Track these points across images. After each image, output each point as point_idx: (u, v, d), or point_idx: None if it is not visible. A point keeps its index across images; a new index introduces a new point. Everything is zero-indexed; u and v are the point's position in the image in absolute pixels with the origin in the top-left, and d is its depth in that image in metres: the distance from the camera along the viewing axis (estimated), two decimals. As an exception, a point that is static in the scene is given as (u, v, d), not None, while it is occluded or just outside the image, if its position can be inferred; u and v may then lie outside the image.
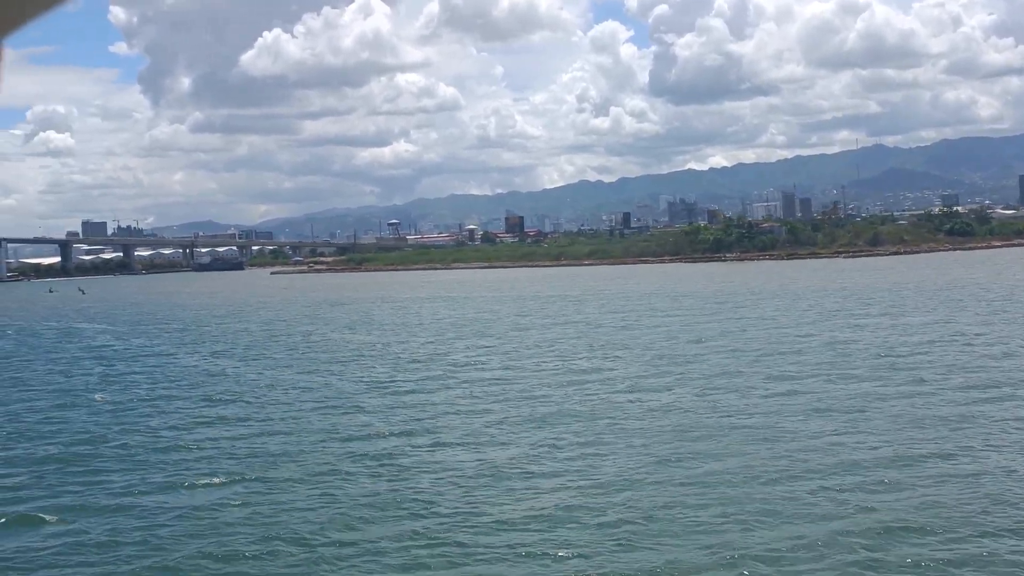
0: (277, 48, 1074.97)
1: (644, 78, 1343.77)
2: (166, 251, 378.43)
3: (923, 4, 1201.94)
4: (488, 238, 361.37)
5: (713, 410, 32.25)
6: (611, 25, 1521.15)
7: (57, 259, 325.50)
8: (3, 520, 23.08)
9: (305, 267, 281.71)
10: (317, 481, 25.30)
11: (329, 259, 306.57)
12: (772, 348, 47.72)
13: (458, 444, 29.16)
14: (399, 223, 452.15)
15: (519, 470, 25.48)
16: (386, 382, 42.60)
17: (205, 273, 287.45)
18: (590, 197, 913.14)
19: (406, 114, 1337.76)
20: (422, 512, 22.10)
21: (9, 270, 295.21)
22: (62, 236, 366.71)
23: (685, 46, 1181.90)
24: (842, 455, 25.37)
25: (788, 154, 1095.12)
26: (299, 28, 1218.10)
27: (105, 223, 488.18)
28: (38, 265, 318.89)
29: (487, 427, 31.35)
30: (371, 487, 24.44)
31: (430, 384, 41.48)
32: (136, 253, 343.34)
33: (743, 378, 38.83)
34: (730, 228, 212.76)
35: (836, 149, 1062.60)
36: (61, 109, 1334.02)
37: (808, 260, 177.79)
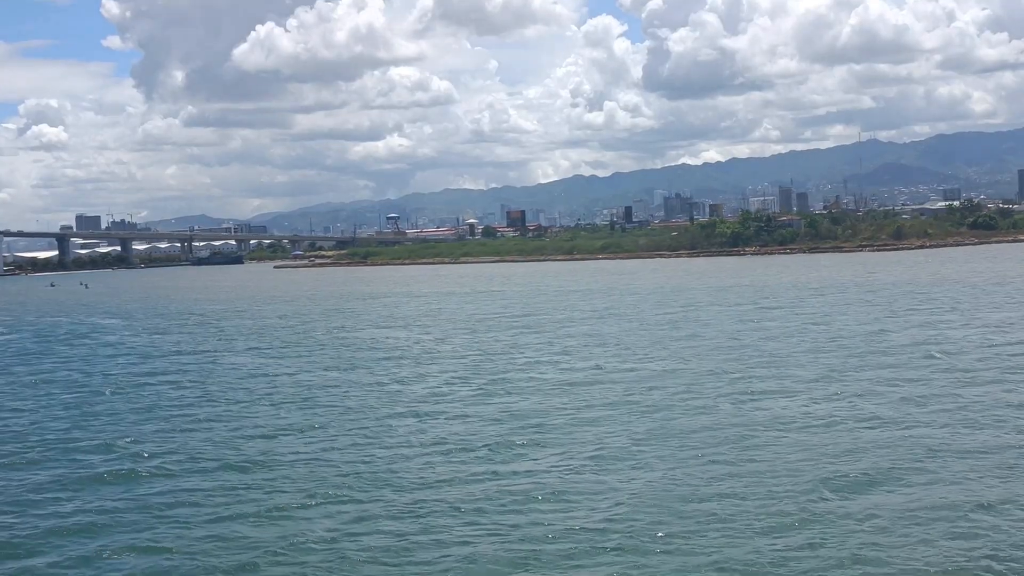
0: (270, 42, 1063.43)
1: (638, 73, 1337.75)
2: (162, 245, 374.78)
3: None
4: (489, 232, 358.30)
5: (843, 420, 28.76)
6: (605, 20, 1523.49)
7: (53, 253, 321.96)
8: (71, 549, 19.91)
9: (307, 261, 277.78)
10: (417, 499, 22.16)
11: (331, 253, 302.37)
12: (862, 348, 44.16)
13: (567, 453, 25.89)
14: (398, 217, 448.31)
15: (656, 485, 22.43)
16: (456, 383, 39.04)
17: (205, 267, 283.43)
18: (584, 192, 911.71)
19: (400, 108, 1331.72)
20: (543, 532, 19.26)
21: (5, 264, 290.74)
22: (56, 230, 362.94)
23: (679, 41, 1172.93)
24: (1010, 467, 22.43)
25: (782, 149, 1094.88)
26: (292, 22, 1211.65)
27: (99, 217, 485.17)
28: (34, 259, 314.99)
29: (595, 433, 28.05)
30: (488, 504, 21.39)
31: (507, 384, 37.99)
32: (132, 247, 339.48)
33: (850, 381, 35.32)
34: (747, 222, 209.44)
35: (830, 144, 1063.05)
36: (54, 103, 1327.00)
37: (832, 254, 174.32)
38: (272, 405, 35.52)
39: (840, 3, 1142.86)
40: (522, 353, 47.98)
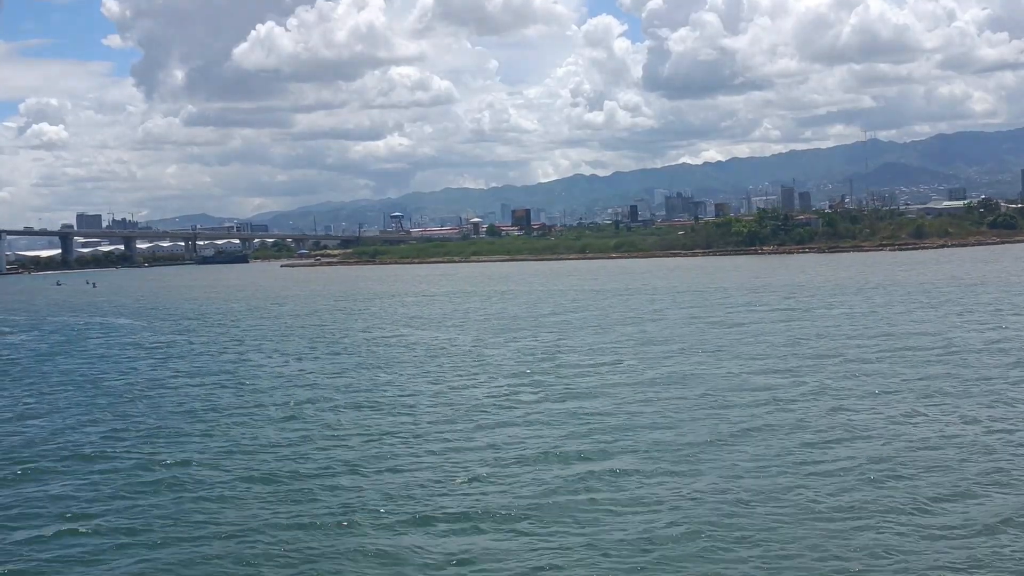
0: (270, 41, 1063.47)
1: (638, 72, 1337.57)
2: (164, 244, 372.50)
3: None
4: (493, 231, 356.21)
5: (945, 423, 26.80)
6: (605, 19, 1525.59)
7: (55, 251, 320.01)
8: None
9: (312, 260, 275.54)
10: (493, 508, 20.33)
11: (337, 252, 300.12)
12: (930, 348, 42.06)
13: (659, 459, 23.89)
14: (402, 216, 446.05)
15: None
16: (513, 386, 36.73)
17: (211, 266, 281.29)
18: (584, 191, 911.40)
19: (400, 107, 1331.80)
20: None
21: (8, 263, 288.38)
22: (57, 229, 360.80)
23: (679, 40, 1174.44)
24: None
25: (782, 148, 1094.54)
26: (292, 21, 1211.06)
27: (100, 216, 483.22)
28: (37, 258, 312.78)
29: (680, 438, 26.03)
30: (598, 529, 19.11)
31: (568, 387, 35.70)
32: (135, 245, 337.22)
33: (936, 380, 33.32)
34: (764, 220, 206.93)
35: (830, 143, 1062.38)
36: (54, 102, 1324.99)
37: (853, 253, 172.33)
38: (323, 409, 33.52)
39: (840, 3, 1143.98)
40: (569, 354, 45.92)
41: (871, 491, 20.48)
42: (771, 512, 19.40)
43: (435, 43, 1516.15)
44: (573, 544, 18.04)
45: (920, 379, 34.02)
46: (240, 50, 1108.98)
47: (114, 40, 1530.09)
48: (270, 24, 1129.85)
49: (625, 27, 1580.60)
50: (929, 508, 19.29)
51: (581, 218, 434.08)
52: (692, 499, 20.46)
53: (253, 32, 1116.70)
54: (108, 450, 28.02)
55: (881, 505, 19.54)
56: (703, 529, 18.47)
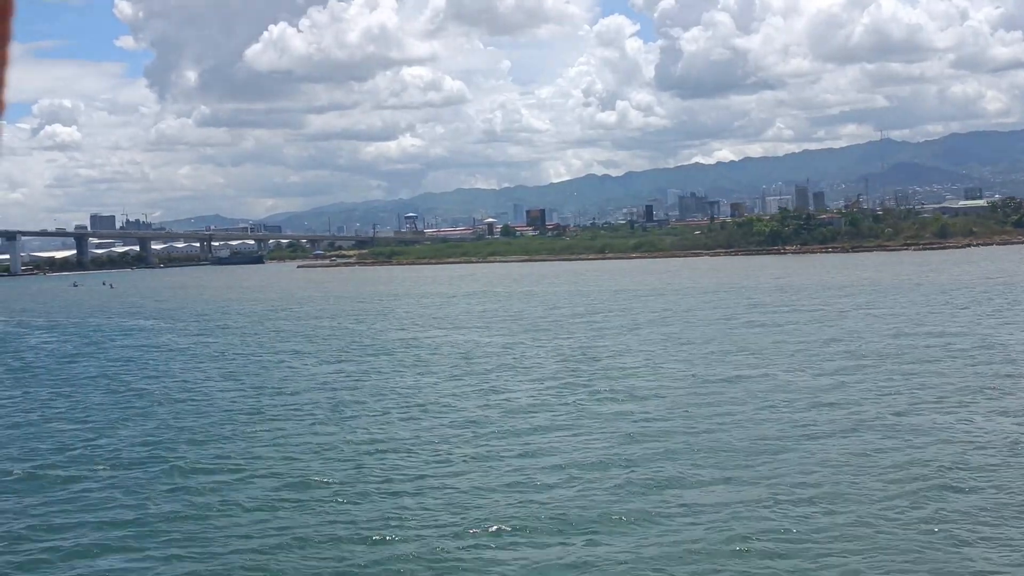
0: (283, 42, 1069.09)
1: (650, 72, 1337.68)
2: (179, 244, 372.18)
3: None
4: (508, 231, 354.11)
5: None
6: (617, 19, 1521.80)
7: (69, 252, 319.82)
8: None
9: (328, 261, 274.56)
10: (561, 517, 19.41)
11: (352, 253, 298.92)
12: (979, 348, 40.96)
13: (731, 466, 22.73)
14: (416, 216, 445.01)
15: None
16: (559, 389, 35.65)
17: (227, 267, 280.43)
18: (597, 191, 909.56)
19: (412, 108, 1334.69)
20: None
21: (23, 264, 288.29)
22: (70, 230, 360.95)
23: (691, 40, 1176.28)
24: None
25: (795, 148, 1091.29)
26: (305, 22, 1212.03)
27: (113, 217, 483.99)
28: (52, 258, 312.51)
29: (754, 445, 24.84)
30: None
31: (615, 391, 34.59)
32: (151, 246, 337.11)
33: (993, 384, 32.16)
34: (787, 219, 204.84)
35: (843, 143, 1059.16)
36: (67, 103, 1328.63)
37: (876, 253, 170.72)
38: (363, 413, 32.71)
39: (853, 2, 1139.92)
40: (607, 357, 44.98)
41: (943, 500, 19.56)
42: (839, 523, 18.45)
43: (447, 43, 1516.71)
44: (634, 556, 17.23)
45: (977, 380, 33.15)
46: (252, 51, 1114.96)
47: (127, 41, 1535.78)
48: (282, 25, 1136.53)
49: (637, 27, 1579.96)
50: (1007, 518, 18.29)
51: (594, 218, 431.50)
52: (757, 508, 19.51)
53: (265, 33, 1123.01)
54: (144, 456, 27.29)
55: (954, 515, 18.57)
56: (773, 545, 17.46)
